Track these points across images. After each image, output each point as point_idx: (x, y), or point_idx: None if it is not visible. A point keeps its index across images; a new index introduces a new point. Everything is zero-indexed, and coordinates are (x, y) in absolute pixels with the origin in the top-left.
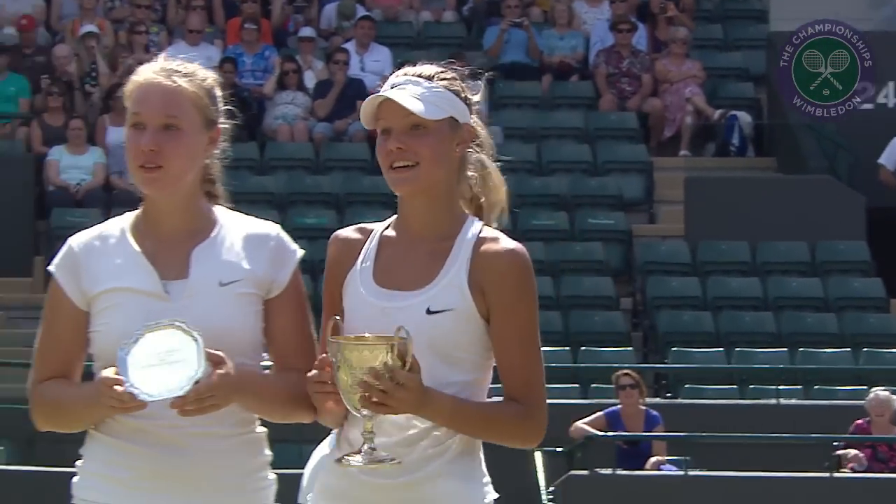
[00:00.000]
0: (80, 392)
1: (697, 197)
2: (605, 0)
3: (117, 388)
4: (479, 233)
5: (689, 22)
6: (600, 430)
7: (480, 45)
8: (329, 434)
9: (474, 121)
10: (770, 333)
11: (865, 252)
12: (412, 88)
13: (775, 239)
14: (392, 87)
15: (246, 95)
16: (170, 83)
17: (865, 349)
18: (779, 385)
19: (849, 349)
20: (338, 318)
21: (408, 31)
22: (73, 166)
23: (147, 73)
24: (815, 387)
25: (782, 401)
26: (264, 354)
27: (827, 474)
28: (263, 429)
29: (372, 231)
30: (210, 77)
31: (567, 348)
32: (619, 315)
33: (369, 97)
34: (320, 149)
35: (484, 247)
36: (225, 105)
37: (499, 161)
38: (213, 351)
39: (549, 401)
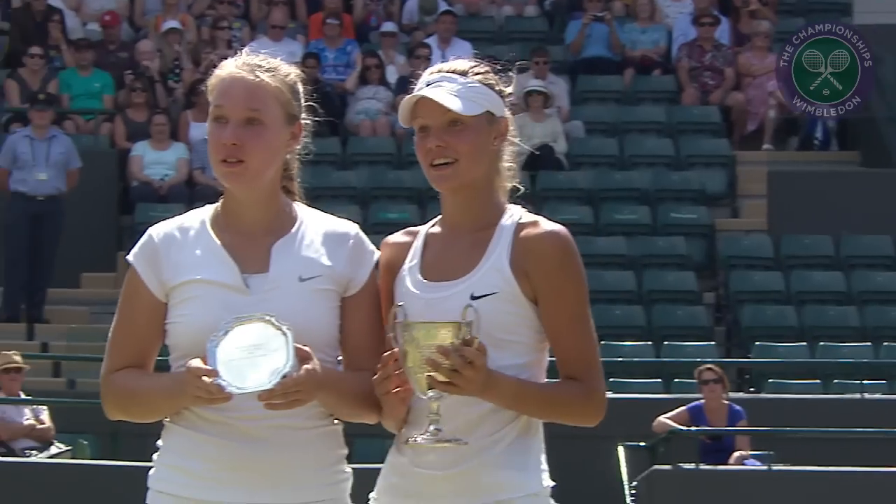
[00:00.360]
0: (158, 382)
1: (780, 191)
2: None
3: (206, 379)
4: (519, 219)
5: (772, 15)
6: (683, 425)
7: (562, 39)
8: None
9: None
10: (854, 328)
11: None
12: (448, 85)
13: (859, 233)
14: (427, 85)
15: (328, 91)
16: (253, 78)
17: None
18: (862, 380)
19: None
20: (401, 304)
21: (489, 26)
22: (156, 162)
23: (230, 67)
24: None
25: (866, 395)
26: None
27: None
28: (339, 423)
29: (418, 232)
30: (293, 72)
31: (650, 343)
32: (702, 309)
33: (406, 97)
34: (402, 144)
35: (524, 231)
36: (307, 101)
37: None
38: (301, 346)
39: (631, 395)
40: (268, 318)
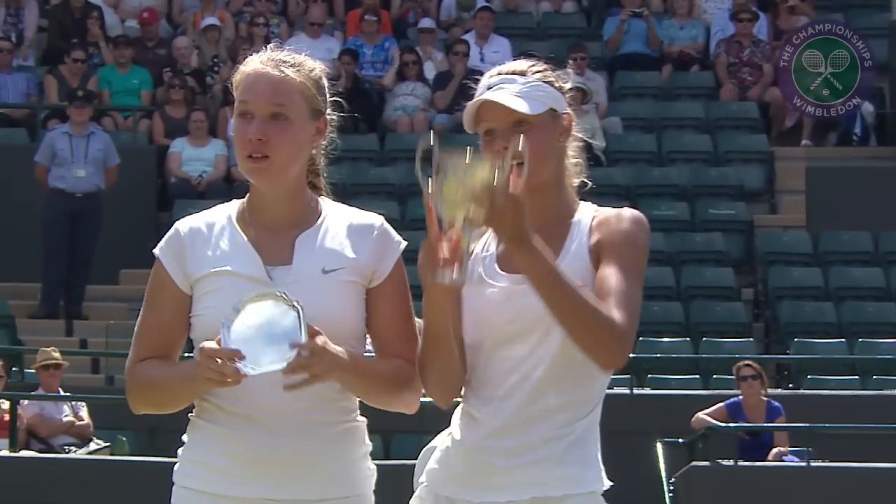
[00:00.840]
0: (177, 368)
1: (819, 187)
2: None
3: (219, 360)
4: (595, 211)
5: (811, 11)
6: (722, 422)
7: (600, 35)
8: (442, 430)
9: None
10: (893, 324)
11: None
12: (509, 87)
13: None
14: (489, 89)
15: (366, 87)
16: (278, 73)
17: None
18: None
19: None
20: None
21: (527, 22)
22: (194, 158)
23: (255, 63)
24: None
25: None
26: (368, 346)
27: None
28: (363, 419)
29: None
30: (318, 67)
31: (688, 339)
32: (741, 305)
33: (469, 103)
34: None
35: (600, 217)
36: (332, 96)
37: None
38: (310, 324)
39: (669, 392)
40: (279, 293)
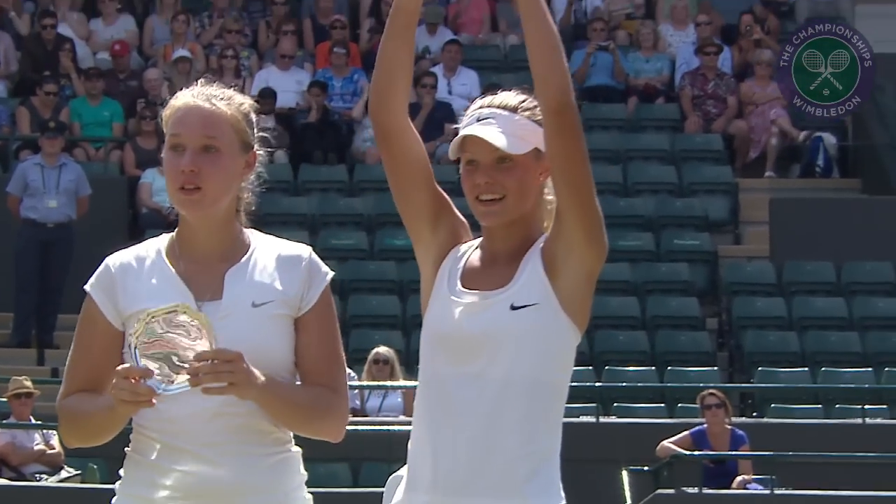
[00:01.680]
0: (101, 399)
1: (783, 218)
2: (691, 23)
3: (132, 381)
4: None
5: (775, 44)
6: (686, 449)
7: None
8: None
9: None
10: (855, 353)
11: None
12: (497, 122)
13: (860, 259)
14: (478, 121)
15: (336, 118)
16: (209, 106)
17: None
18: (864, 405)
19: None
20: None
21: (495, 55)
22: (165, 189)
23: (186, 97)
24: None
25: (868, 420)
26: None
27: None
28: (298, 448)
29: (464, 245)
30: (247, 102)
31: (653, 368)
32: (705, 335)
33: (458, 134)
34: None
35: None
36: (260, 131)
37: None
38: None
39: (635, 420)
40: (181, 306)
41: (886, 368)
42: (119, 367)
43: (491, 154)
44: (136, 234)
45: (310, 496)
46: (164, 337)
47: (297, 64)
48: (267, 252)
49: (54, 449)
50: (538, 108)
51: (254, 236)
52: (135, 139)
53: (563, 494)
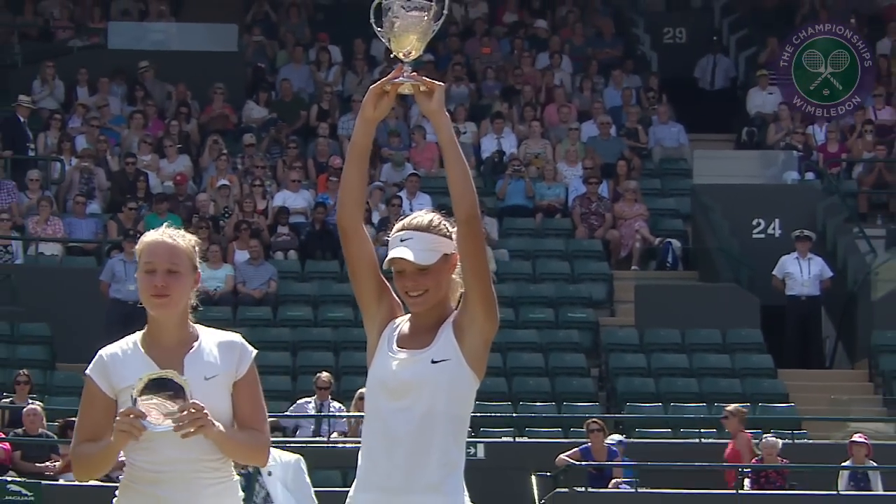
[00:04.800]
0: (102, 441)
1: (644, 298)
2: (580, 162)
3: (131, 417)
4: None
5: (637, 176)
6: (577, 461)
7: (493, 192)
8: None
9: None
10: (694, 393)
11: (759, 336)
12: (415, 243)
13: (698, 327)
14: (401, 241)
15: (331, 228)
16: (171, 241)
17: (760, 404)
18: (700, 429)
19: (748, 405)
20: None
21: (444, 184)
22: (211, 277)
23: (153, 235)
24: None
25: (703, 440)
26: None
27: (733, 491)
28: (238, 477)
29: (399, 320)
30: (193, 238)
31: (553, 404)
32: (590, 380)
33: (389, 257)
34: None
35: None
36: (200, 258)
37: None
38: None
39: (540, 440)
40: (170, 373)
41: (716, 404)
42: (123, 409)
43: (412, 266)
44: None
45: None
46: (156, 396)
47: (304, 188)
48: (210, 340)
49: None
50: (443, 224)
51: (200, 329)
52: None
53: (467, 492)
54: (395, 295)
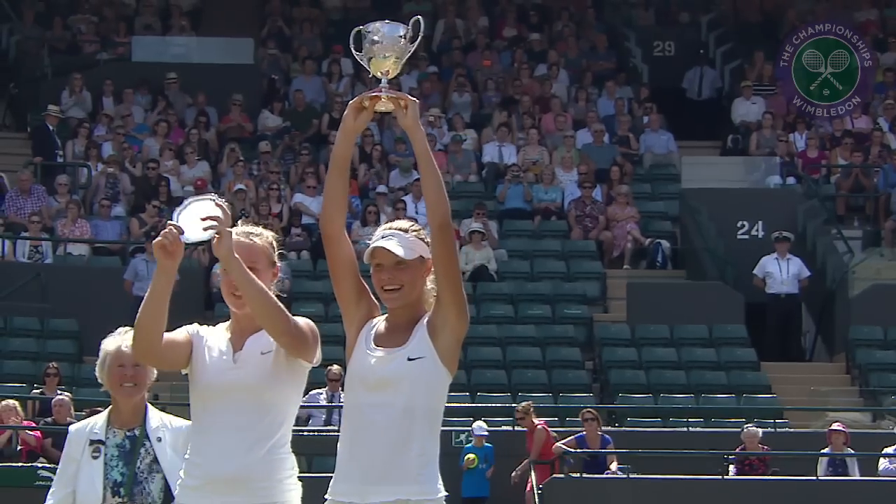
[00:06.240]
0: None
1: (635, 296)
2: (575, 167)
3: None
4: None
5: (629, 181)
6: (573, 449)
7: (494, 196)
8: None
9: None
10: (682, 384)
11: (743, 331)
12: (395, 239)
13: (685, 323)
14: (382, 237)
15: None
16: (248, 241)
17: (744, 395)
18: (688, 418)
19: (733, 395)
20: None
21: (445, 188)
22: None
23: (236, 236)
24: (713, 419)
25: (690, 429)
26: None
27: (719, 477)
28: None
29: (378, 319)
30: (271, 235)
31: (550, 395)
32: (585, 373)
33: (370, 246)
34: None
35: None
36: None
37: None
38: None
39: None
40: (210, 196)
41: (703, 395)
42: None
43: (391, 259)
44: (209, 305)
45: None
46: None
47: (318, 192)
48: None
49: None
50: (422, 231)
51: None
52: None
53: (441, 481)
54: (373, 297)
